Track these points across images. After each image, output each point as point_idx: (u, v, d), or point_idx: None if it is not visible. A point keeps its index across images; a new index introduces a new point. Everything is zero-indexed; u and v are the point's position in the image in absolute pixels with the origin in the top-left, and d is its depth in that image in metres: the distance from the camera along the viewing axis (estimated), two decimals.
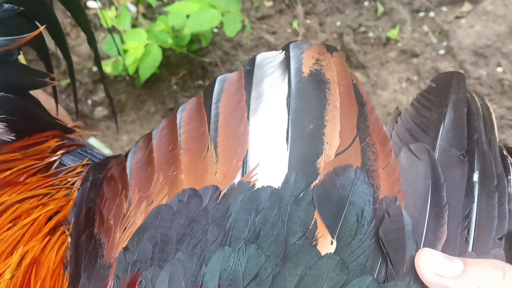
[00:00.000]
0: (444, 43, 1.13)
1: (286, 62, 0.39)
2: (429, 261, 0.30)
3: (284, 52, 0.40)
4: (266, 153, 0.34)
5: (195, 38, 1.09)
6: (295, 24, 1.16)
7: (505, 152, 0.40)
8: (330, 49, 0.40)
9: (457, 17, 1.14)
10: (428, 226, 0.32)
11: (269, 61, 0.40)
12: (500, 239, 0.33)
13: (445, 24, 1.13)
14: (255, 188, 0.32)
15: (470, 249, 0.32)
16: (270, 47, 1.14)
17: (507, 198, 0.35)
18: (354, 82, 0.38)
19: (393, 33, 1.13)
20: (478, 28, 1.12)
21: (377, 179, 0.33)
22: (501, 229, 0.34)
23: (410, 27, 1.15)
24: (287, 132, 0.35)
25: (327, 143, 0.34)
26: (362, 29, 1.15)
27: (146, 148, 0.40)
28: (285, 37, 1.15)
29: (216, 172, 0.34)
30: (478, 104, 0.41)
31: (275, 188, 0.32)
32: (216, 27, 1.13)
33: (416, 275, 0.30)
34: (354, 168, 0.33)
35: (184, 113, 0.39)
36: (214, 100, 0.38)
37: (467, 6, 1.14)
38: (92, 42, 0.54)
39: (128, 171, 0.39)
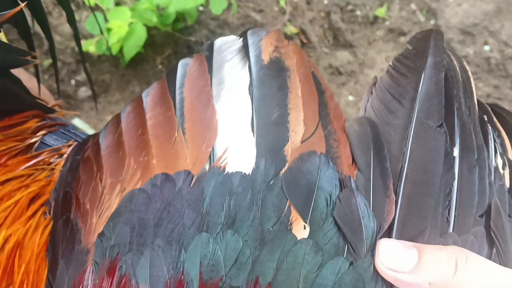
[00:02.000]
0: (432, 22, 1.12)
1: (245, 50, 0.38)
2: (384, 255, 0.29)
3: (242, 39, 0.39)
4: (233, 140, 0.34)
5: (180, 16, 1.08)
6: (282, 2, 1.15)
7: (485, 117, 0.38)
8: (286, 37, 0.40)
9: None
10: (374, 202, 0.32)
11: (228, 46, 0.39)
12: (480, 216, 0.33)
13: (432, 2, 1.13)
14: (226, 173, 0.32)
15: (451, 229, 0.32)
16: (257, 26, 1.13)
17: (487, 171, 0.34)
18: (312, 70, 0.38)
19: (381, 12, 1.13)
20: (465, 6, 1.11)
21: (341, 165, 0.33)
22: (482, 205, 0.33)
23: (397, 6, 1.14)
24: (252, 119, 0.34)
25: (292, 130, 0.34)
26: (350, 7, 1.14)
27: (115, 131, 0.39)
28: (272, 16, 1.14)
29: (186, 158, 0.34)
30: (457, 67, 0.39)
31: (245, 173, 0.32)
32: (202, 5, 1.11)
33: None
34: (318, 154, 0.33)
35: (148, 99, 0.39)
36: (178, 85, 0.38)
37: None
38: (71, 20, 0.52)
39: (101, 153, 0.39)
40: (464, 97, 0.37)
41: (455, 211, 0.32)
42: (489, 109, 0.39)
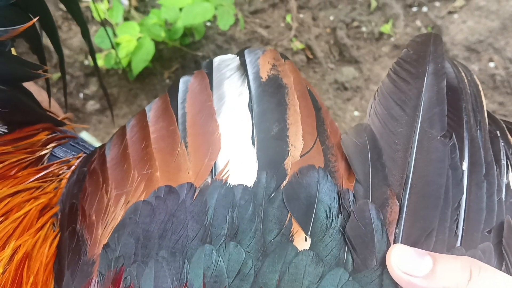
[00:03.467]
0: None
1: (243, 67, 0.40)
2: (399, 259, 0.30)
3: (239, 57, 0.41)
4: (235, 154, 0.35)
5: (188, 31, 1.09)
6: (288, 18, 1.16)
7: (498, 133, 0.38)
8: (282, 56, 0.41)
9: (450, 12, 1.14)
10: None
11: (226, 64, 0.41)
12: (488, 232, 0.33)
13: (438, 19, 1.14)
14: (228, 185, 0.33)
15: (459, 243, 0.32)
16: (263, 41, 1.14)
17: (496, 188, 0.34)
18: (308, 88, 0.39)
19: (386, 28, 1.13)
20: (470, 23, 1.12)
21: (340, 179, 0.34)
22: (490, 221, 0.33)
23: (403, 22, 1.15)
24: (252, 134, 0.35)
25: (291, 145, 0.35)
26: (355, 23, 1.15)
27: (121, 144, 0.40)
28: (278, 31, 1.15)
29: (189, 171, 0.35)
30: (466, 80, 0.39)
31: (247, 186, 0.33)
32: (209, 21, 1.12)
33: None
34: (317, 168, 0.34)
35: (151, 113, 0.40)
36: (180, 100, 0.39)
37: (460, 1, 1.14)
38: (86, 34, 0.53)
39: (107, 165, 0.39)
40: (474, 111, 0.37)
41: (463, 226, 0.33)
42: (504, 125, 0.39)
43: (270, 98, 0.37)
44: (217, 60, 0.42)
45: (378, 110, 0.37)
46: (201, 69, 0.41)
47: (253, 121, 0.36)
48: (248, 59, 0.40)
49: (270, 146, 0.35)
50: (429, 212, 0.32)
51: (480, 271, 0.29)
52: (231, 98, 0.38)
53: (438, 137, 0.34)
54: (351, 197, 0.32)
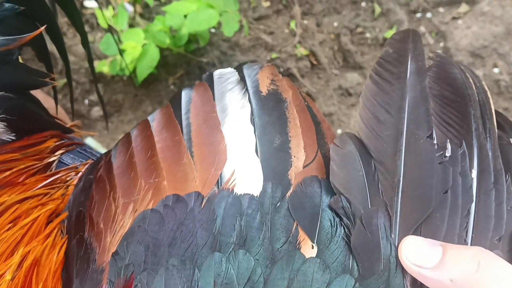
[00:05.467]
0: (441, 44, 1.13)
1: (244, 81, 0.40)
2: (409, 251, 0.30)
3: (238, 72, 0.41)
4: (240, 164, 0.35)
5: (193, 38, 1.09)
6: (292, 25, 1.16)
7: (511, 140, 0.37)
8: (279, 73, 0.42)
9: (454, 18, 1.14)
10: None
11: (227, 77, 0.41)
12: (498, 240, 0.33)
13: (442, 25, 1.14)
14: (235, 194, 0.34)
15: None
16: (268, 48, 1.14)
17: (505, 196, 0.34)
18: (307, 103, 0.40)
19: (390, 34, 1.13)
20: (475, 29, 1.12)
21: None
22: (499, 229, 0.33)
23: (407, 28, 1.15)
24: (256, 145, 0.36)
25: (294, 156, 0.35)
26: (359, 29, 1.15)
27: (126, 152, 0.40)
28: (282, 37, 1.15)
29: (196, 180, 0.35)
30: (474, 87, 0.38)
31: (254, 195, 0.33)
32: (214, 27, 1.13)
33: (394, 271, 0.31)
34: (319, 178, 0.34)
35: (154, 123, 0.40)
36: (183, 111, 0.40)
37: (464, 7, 1.14)
38: (85, 43, 0.53)
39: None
40: (483, 118, 0.37)
41: (472, 233, 0.33)
42: None
43: (271, 112, 0.38)
44: (217, 73, 0.42)
45: (364, 115, 0.36)
46: (202, 81, 0.42)
47: (256, 133, 0.37)
48: (246, 74, 0.41)
49: (274, 157, 0.35)
50: (421, 216, 0.32)
51: (490, 262, 0.29)
52: (233, 110, 0.39)
53: (425, 138, 0.34)
54: (353, 207, 0.33)
